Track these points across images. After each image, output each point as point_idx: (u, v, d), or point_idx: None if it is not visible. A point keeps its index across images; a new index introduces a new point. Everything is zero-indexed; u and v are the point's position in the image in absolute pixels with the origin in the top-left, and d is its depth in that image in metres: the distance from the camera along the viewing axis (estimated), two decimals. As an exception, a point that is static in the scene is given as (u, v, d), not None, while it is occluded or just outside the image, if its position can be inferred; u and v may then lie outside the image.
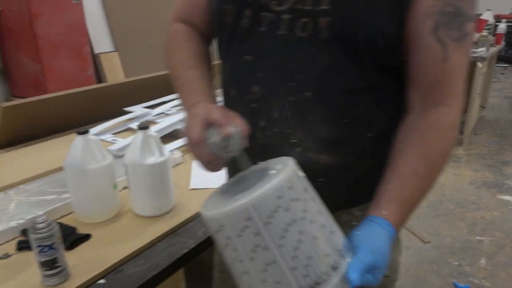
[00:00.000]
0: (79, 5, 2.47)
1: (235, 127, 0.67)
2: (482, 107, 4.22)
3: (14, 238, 1.04)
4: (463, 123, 3.36)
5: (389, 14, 0.62)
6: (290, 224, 0.56)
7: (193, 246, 1.02)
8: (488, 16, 3.80)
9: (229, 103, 0.80)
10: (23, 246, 1.01)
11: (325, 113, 0.69)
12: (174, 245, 1.02)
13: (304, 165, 0.63)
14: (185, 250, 1.00)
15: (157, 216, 1.12)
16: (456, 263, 1.91)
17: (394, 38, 0.63)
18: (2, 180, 1.27)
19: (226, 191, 0.67)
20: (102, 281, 0.90)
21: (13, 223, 1.05)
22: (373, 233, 0.61)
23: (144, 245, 1.00)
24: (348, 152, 0.72)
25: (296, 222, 0.56)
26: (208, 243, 1.06)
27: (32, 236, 0.83)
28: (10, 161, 1.46)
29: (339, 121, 0.70)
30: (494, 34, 3.74)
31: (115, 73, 2.98)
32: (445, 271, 1.85)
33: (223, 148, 0.67)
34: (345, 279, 0.56)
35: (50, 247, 0.84)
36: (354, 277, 0.55)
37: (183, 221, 1.10)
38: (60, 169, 1.38)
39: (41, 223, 0.83)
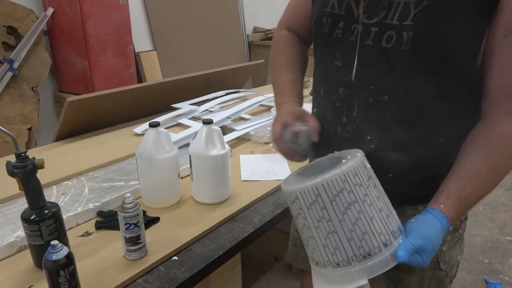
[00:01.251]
0: (126, 6, 2.61)
1: (304, 126, 0.83)
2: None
3: (91, 219, 1.17)
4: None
5: (469, 32, 0.67)
6: (351, 203, 0.66)
7: (252, 230, 1.13)
8: None
9: (318, 101, 0.90)
10: (101, 225, 1.14)
11: (400, 117, 0.76)
12: (235, 230, 1.13)
13: (376, 160, 0.73)
14: (245, 234, 1.11)
15: (216, 204, 1.23)
16: (487, 261, 1.96)
17: (473, 53, 0.69)
18: (73, 167, 1.40)
19: (303, 172, 0.80)
20: (175, 257, 1.02)
21: (90, 205, 1.18)
22: (427, 222, 0.67)
23: (209, 229, 1.11)
24: (418, 154, 0.77)
25: (356, 203, 0.67)
26: (263, 229, 1.17)
27: (120, 215, 0.95)
28: (76, 151, 1.59)
29: (412, 125, 0.76)
30: None
31: (154, 71, 3.12)
32: (476, 269, 1.90)
33: (294, 142, 0.83)
34: (394, 255, 0.65)
35: (136, 225, 0.96)
36: (402, 254, 0.63)
37: (240, 209, 1.21)
38: (122, 158, 1.51)
39: (129, 203, 0.94)
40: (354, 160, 0.69)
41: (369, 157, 0.73)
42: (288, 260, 1.23)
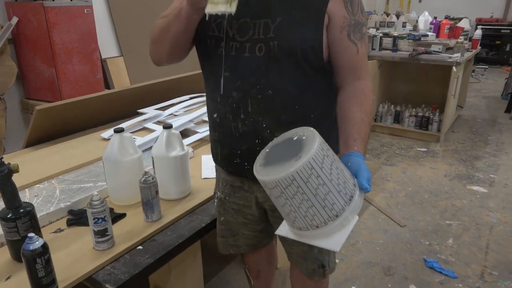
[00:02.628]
0: (91, 14, 2.69)
1: None
2: (460, 106, 4.53)
3: (62, 217, 1.29)
4: (440, 122, 3.66)
5: (312, 34, 0.93)
6: (332, 163, 0.78)
7: (209, 221, 1.28)
8: (465, 24, 4.11)
9: (216, 106, 1.06)
10: (72, 222, 1.26)
11: (283, 104, 0.99)
12: (194, 221, 1.28)
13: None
14: (203, 225, 1.26)
15: (178, 199, 1.37)
16: (427, 243, 2.19)
17: (318, 49, 0.95)
18: (43, 171, 1.51)
19: (267, 159, 0.84)
20: (140, 247, 1.16)
21: (61, 205, 1.30)
22: (357, 161, 0.85)
23: (170, 221, 1.26)
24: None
25: (334, 162, 0.78)
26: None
27: (89, 211, 1.08)
28: (46, 157, 1.69)
29: (293, 109, 1.00)
30: (470, 40, 4.05)
31: (121, 76, 3.21)
32: (417, 250, 2.13)
33: None
34: (361, 190, 0.82)
35: (103, 219, 1.09)
36: (367, 186, 0.81)
37: (200, 203, 1.36)
38: (90, 162, 1.63)
39: (96, 200, 1.08)
40: (317, 134, 0.79)
41: (267, 139, 0.91)
42: (219, 251, 1.34)
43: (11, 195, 1.03)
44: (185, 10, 0.92)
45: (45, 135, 1.88)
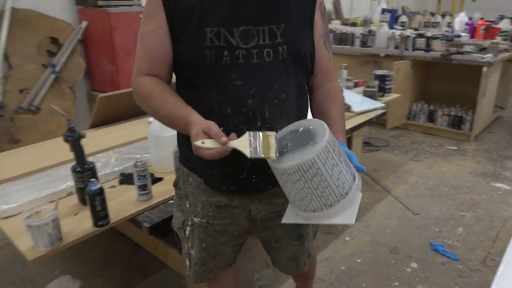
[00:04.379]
0: (146, 19, 3.14)
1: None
2: (501, 107, 4.46)
3: (115, 178, 1.67)
4: (472, 121, 3.69)
5: (307, 39, 1.02)
6: (339, 146, 0.85)
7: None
8: (504, 24, 4.08)
9: (226, 119, 0.95)
10: (123, 181, 1.63)
11: (292, 106, 1.02)
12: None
13: None
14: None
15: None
16: (437, 229, 2.33)
17: (312, 52, 1.04)
18: (103, 145, 1.91)
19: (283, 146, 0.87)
20: (171, 201, 1.50)
21: (115, 169, 1.68)
22: (345, 149, 0.91)
23: (196, 184, 1.58)
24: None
25: (339, 146, 0.86)
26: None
27: (134, 170, 1.43)
28: (105, 135, 2.11)
29: (295, 111, 1.03)
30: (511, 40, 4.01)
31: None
32: (426, 235, 2.28)
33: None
34: (358, 176, 0.89)
35: (144, 177, 1.44)
36: (362, 167, 0.90)
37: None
38: (138, 140, 2.01)
39: (139, 162, 1.43)
40: (327, 128, 0.84)
41: None
42: (195, 282, 1.23)
43: (80, 154, 1.41)
44: (184, 129, 0.90)
45: (105, 119, 2.30)
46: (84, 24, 3.13)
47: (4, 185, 1.57)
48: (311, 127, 0.86)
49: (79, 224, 1.33)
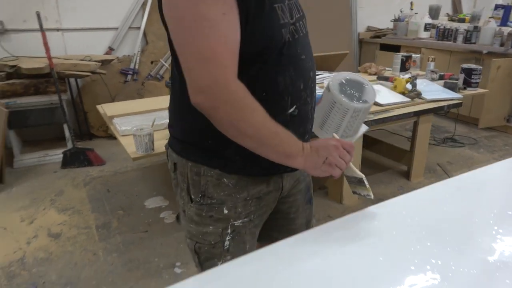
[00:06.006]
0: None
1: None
2: None
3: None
4: None
5: None
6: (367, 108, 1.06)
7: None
8: None
9: (298, 95, 0.95)
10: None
11: (315, 82, 1.03)
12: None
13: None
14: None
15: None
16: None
17: None
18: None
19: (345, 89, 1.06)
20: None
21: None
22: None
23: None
24: None
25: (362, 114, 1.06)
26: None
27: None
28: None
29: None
30: None
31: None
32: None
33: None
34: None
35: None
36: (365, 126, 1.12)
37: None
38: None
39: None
40: (372, 90, 1.08)
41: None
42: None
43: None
44: (290, 152, 0.88)
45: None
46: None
47: (127, 117, 2.24)
48: (366, 85, 1.08)
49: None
